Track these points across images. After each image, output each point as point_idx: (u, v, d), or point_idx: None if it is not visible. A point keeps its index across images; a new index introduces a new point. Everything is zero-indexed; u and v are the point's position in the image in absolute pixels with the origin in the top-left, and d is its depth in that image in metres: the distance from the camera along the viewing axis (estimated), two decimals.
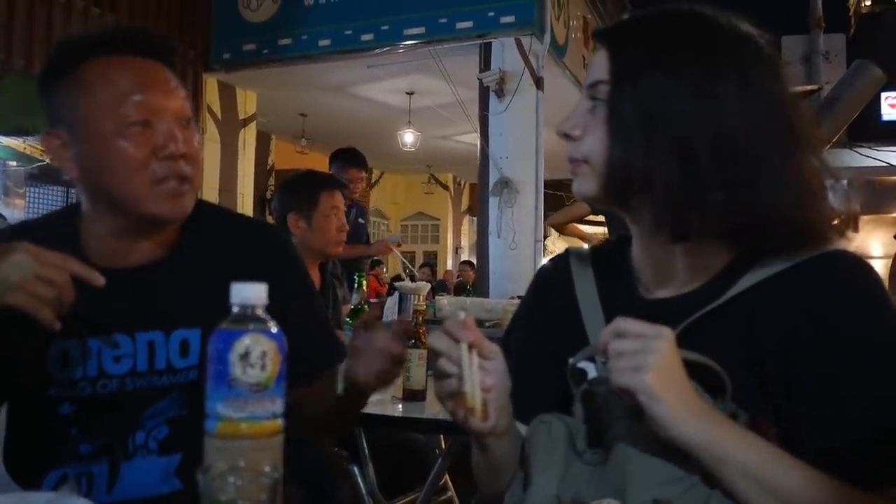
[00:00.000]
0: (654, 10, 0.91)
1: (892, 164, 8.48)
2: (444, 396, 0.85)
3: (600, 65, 0.89)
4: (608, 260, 1.02)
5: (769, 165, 0.82)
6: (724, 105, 0.82)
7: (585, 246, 1.12)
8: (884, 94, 10.84)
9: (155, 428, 1.15)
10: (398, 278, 10.57)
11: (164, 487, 1.14)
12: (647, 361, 0.75)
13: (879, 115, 11.17)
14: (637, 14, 0.92)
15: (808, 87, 7.26)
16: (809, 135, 0.86)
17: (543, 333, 1.03)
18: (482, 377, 0.83)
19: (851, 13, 12.97)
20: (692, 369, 0.81)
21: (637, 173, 0.84)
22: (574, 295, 1.00)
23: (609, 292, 0.98)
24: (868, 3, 12.81)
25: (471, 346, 0.83)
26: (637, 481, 0.76)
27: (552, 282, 1.06)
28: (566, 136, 0.92)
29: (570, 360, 0.92)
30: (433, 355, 0.85)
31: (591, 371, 0.92)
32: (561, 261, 1.08)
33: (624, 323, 0.78)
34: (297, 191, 2.68)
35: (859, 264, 0.84)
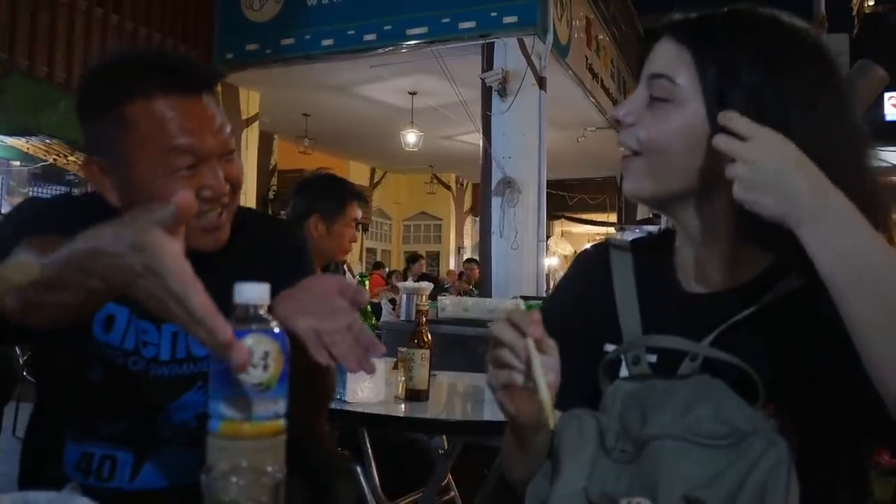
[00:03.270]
0: (731, 10, 0.89)
1: (895, 164, 8.46)
2: (498, 386, 0.83)
3: (670, 58, 0.88)
4: (650, 253, 1.02)
5: (843, 175, 0.82)
6: (825, 116, 0.84)
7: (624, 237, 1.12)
8: (887, 95, 10.82)
9: (185, 422, 1.18)
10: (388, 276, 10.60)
11: (188, 479, 1.15)
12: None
13: (883, 115, 11.15)
14: (713, 12, 0.91)
15: None
16: (869, 147, 0.90)
17: (576, 319, 1.03)
18: (546, 376, 0.80)
19: (855, 13, 12.94)
20: (725, 371, 0.82)
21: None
22: (611, 285, 1.00)
23: (648, 286, 0.98)
24: (871, 2, 12.79)
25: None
26: (669, 478, 0.76)
27: (591, 269, 1.06)
28: (618, 123, 0.91)
29: (604, 359, 0.92)
30: (495, 344, 0.83)
31: (623, 370, 0.92)
32: (602, 249, 1.07)
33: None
34: (325, 195, 2.68)
35: None
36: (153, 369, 1.17)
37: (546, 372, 0.80)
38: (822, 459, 0.83)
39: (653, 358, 0.91)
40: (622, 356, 0.92)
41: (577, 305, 1.05)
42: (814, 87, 0.84)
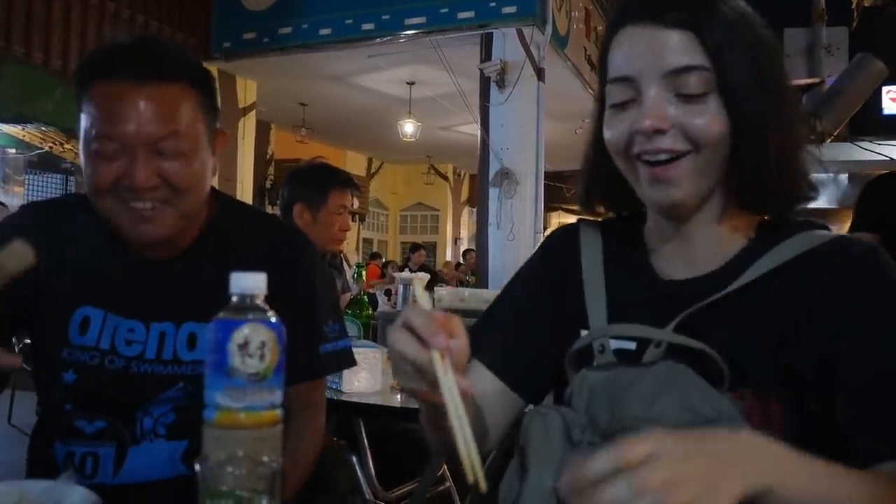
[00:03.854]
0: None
1: (893, 159, 8.47)
2: (407, 388, 0.77)
3: (686, 48, 0.84)
4: (621, 235, 1.01)
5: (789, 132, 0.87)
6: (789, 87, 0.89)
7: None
8: (885, 88, 10.82)
9: (163, 414, 1.20)
10: (387, 266, 10.59)
11: (170, 472, 1.18)
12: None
13: (881, 109, 11.16)
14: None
15: (810, 80, 7.25)
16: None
17: (543, 300, 1.02)
18: (459, 382, 0.71)
19: (854, 6, 12.90)
20: (692, 357, 0.82)
21: (763, 146, 0.84)
22: (580, 268, 0.99)
23: (617, 270, 0.97)
24: None
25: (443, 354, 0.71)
26: None
27: (560, 250, 1.04)
28: (656, 132, 0.84)
29: (570, 350, 0.92)
30: (395, 356, 0.73)
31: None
32: (572, 230, 1.06)
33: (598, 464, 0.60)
34: (308, 183, 2.67)
35: (872, 249, 0.85)
36: (134, 367, 1.18)
37: (462, 376, 0.72)
38: (810, 443, 0.81)
39: (631, 345, 0.90)
40: (591, 344, 0.91)
41: (544, 286, 1.03)
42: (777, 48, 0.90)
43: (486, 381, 0.99)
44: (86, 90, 1.12)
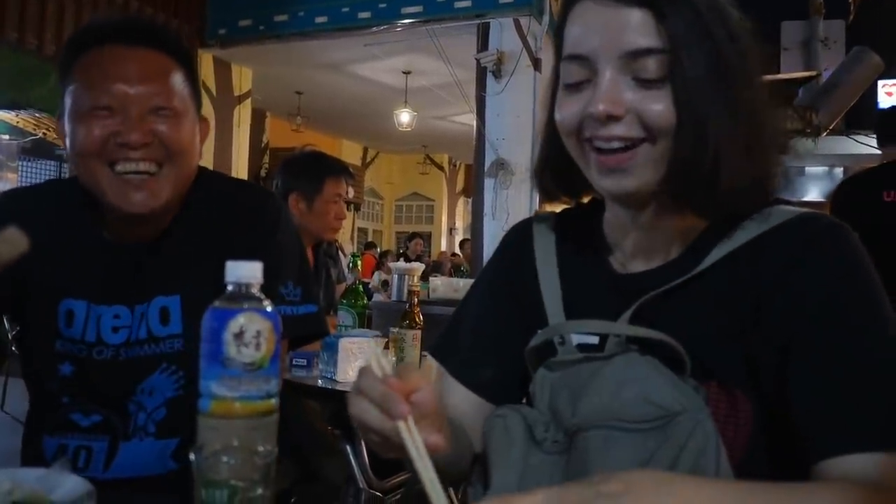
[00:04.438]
0: None
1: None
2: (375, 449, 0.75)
3: (644, 28, 0.78)
4: (576, 228, 0.97)
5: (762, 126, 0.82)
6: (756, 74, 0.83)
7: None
8: (881, 82, 10.80)
9: (154, 410, 1.18)
10: (386, 256, 10.58)
11: (160, 468, 1.18)
12: None
13: (876, 103, 11.15)
14: None
15: (807, 73, 7.24)
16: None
17: (503, 300, 0.99)
18: (427, 439, 0.67)
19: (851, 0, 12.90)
20: (649, 348, 0.80)
21: (712, 141, 0.78)
22: (535, 265, 0.96)
23: (572, 264, 0.94)
24: None
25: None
26: (602, 467, 0.75)
27: (515, 248, 1.01)
28: (610, 118, 0.78)
29: (528, 346, 0.89)
30: (359, 425, 0.72)
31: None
32: (524, 226, 1.02)
33: None
34: (302, 172, 2.65)
35: (834, 227, 0.80)
36: (122, 354, 1.18)
37: (430, 431, 0.68)
38: (779, 435, 0.79)
39: (594, 339, 0.87)
40: (552, 340, 0.88)
41: (503, 286, 1.00)
42: (750, 44, 0.82)
43: (458, 392, 0.97)
44: (76, 60, 1.13)
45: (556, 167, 0.91)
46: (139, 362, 1.18)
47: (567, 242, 0.97)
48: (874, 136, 3.26)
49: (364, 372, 0.72)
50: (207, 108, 7.70)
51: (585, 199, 0.98)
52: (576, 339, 0.88)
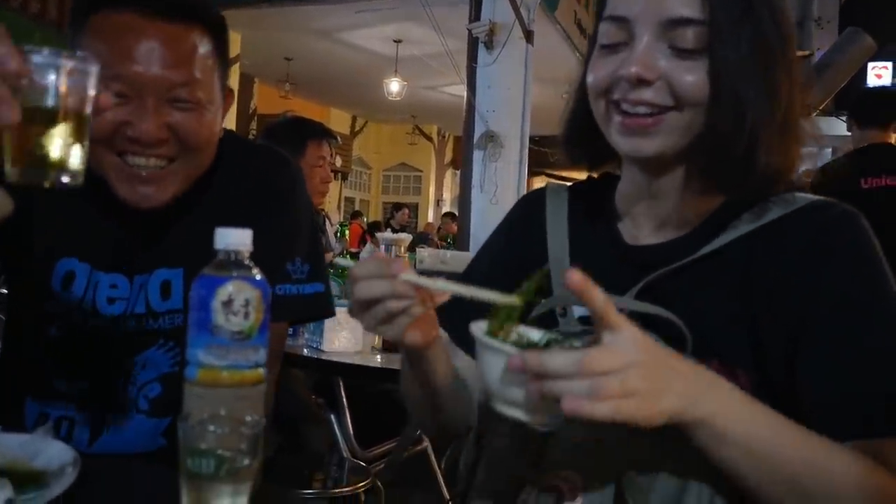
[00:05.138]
0: None
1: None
2: (379, 322, 0.77)
3: (687, 0, 0.78)
4: (589, 200, 0.96)
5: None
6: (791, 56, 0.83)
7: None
8: (871, 64, 10.81)
9: (147, 384, 1.11)
10: (376, 226, 10.56)
11: (149, 446, 1.11)
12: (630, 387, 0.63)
13: (865, 84, 11.17)
14: None
15: (800, 53, 7.23)
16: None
17: (510, 270, 0.96)
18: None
19: None
20: (652, 323, 0.79)
21: (748, 114, 0.78)
22: (545, 235, 0.95)
23: (583, 235, 0.94)
24: None
25: None
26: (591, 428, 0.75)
27: (525, 217, 1.00)
28: (641, 81, 0.79)
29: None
30: (366, 305, 0.75)
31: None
32: (537, 196, 1.01)
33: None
34: (284, 137, 2.63)
35: (848, 215, 0.81)
36: (119, 326, 1.11)
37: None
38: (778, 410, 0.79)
39: None
40: (554, 310, 0.88)
41: (509, 256, 1.00)
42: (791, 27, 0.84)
43: (462, 359, 0.96)
44: (85, 22, 0.99)
45: (582, 134, 0.91)
46: (134, 336, 1.11)
47: (578, 213, 0.96)
48: (848, 116, 3.23)
49: (353, 270, 0.76)
50: None
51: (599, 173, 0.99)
52: (577, 311, 0.87)
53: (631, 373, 0.63)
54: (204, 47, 1.03)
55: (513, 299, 0.70)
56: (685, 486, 0.74)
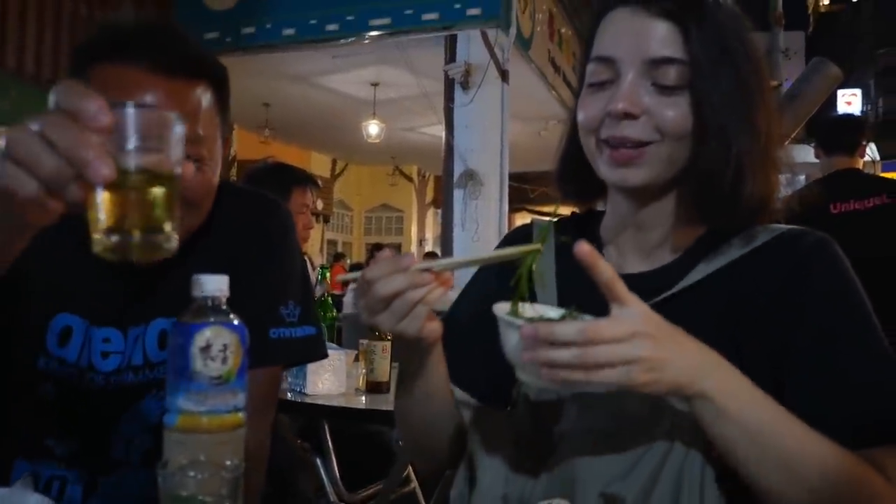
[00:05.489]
0: None
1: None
2: (400, 318, 0.77)
3: (668, 39, 0.84)
4: (575, 232, 0.97)
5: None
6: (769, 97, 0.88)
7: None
8: (840, 92, 11.05)
9: (136, 438, 1.09)
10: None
11: (144, 498, 1.07)
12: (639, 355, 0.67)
13: (835, 112, 11.39)
14: None
15: None
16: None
17: (498, 301, 1.00)
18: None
19: (810, 11, 13.19)
20: None
21: (729, 149, 0.84)
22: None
23: (570, 268, 0.93)
24: (826, 1, 13.03)
25: None
26: (584, 475, 0.77)
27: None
28: (626, 116, 0.84)
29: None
30: (382, 300, 0.76)
31: None
32: (523, 231, 1.05)
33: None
34: (268, 184, 2.63)
35: (822, 243, 0.86)
36: (113, 381, 1.08)
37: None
38: None
39: None
40: None
41: (497, 289, 0.98)
42: (763, 61, 0.89)
43: (456, 394, 0.98)
44: (84, 74, 0.96)
45: (573, 169, 0.97)
46: (128, 388, 1.08)
47: (566, 247, 0.98)
48: (815, 144, 3.26)
49: (366, 273, 0.77)
50: None
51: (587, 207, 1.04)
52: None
53: (636, 342, 0.66)
54: (207, 102, 1.01)
55: (534, 245, 0.78)
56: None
